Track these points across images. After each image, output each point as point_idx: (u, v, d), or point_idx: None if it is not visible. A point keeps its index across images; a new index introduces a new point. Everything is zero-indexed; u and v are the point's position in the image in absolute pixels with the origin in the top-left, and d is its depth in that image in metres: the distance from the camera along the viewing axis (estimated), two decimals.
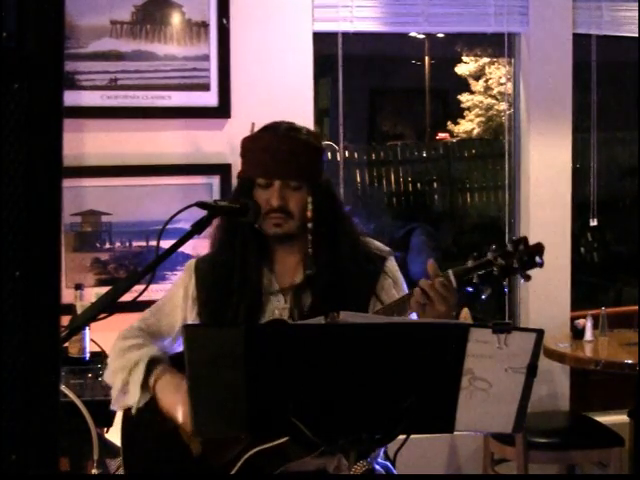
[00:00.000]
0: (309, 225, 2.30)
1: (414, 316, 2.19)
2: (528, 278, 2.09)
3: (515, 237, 2.11)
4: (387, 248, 2.43)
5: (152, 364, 2.31)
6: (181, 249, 2.22)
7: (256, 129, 2.47)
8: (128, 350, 2.37)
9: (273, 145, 2.30)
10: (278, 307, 2.33)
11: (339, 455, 2.23)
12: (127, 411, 2.35)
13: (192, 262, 2.46)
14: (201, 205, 2.24)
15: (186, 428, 2.20)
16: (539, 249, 2.09)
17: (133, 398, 2.30)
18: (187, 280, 2.41)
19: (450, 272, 2.12)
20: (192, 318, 2.38)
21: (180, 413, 2.20)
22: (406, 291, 2.35)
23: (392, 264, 2.38)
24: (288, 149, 2.29)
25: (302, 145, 2.31)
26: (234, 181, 3.85)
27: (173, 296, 2.45)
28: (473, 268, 2.11)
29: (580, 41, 4.37)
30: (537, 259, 2.08)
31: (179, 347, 2.43)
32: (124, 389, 2.33)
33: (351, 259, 2.31)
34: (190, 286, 2.40)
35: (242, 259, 2.33)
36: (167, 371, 2.30)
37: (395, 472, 2.27)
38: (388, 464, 2.30)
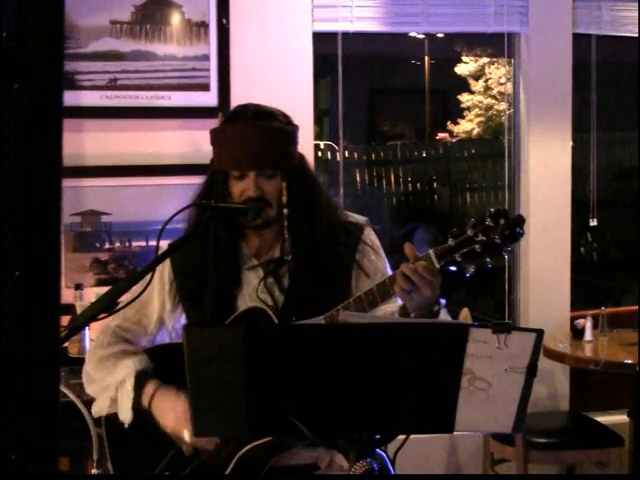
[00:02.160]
0: (284, 211, 2.25)
1: (399, 301, 2.14)
2: (509, 253, 1.98)
3: (493, 210, 1.98)
4: (364, 218, 2.38)
5: (140, 381, 2.26)
6: None
7: None
8: (108, 360, 2.32)
9: (243, 136, 2.24)
10: (258, 282, 2.29)
11: (333, 452, 2.22)
12: (109, 415, 2.32)
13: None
14: (201, 205, 2.25)
15: (196, 445, 2.19)
16: (520, 220, 1.98)
17: (124, 417, 2.26)
18: (161, 266, 2.30)
19: (431, 252, 2.02)
20: (171, 302, 2.35)
21: (186, 432, 2.17)
22: (385, 259, 2.33)
23: (369, 233, 2.34)
24: (259, 138, 2.23)
25: (272, 131, 2.25)
26: None
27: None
28: (454, 247, 2.00)
29: (580, 41, 4.37)
30: (518, 230, 1.96)
31: (161, 337, 2.40)
32: (113, 407, 2.29)
33: (328, 236, 2.26)
34: (165, 270, 2.34)
35: (215, 238, 2.28)
36: (159, 389, 2.25)
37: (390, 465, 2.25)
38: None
